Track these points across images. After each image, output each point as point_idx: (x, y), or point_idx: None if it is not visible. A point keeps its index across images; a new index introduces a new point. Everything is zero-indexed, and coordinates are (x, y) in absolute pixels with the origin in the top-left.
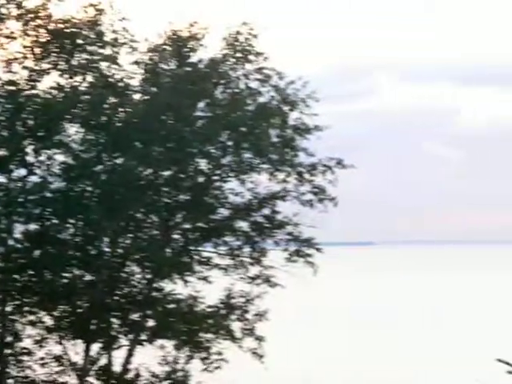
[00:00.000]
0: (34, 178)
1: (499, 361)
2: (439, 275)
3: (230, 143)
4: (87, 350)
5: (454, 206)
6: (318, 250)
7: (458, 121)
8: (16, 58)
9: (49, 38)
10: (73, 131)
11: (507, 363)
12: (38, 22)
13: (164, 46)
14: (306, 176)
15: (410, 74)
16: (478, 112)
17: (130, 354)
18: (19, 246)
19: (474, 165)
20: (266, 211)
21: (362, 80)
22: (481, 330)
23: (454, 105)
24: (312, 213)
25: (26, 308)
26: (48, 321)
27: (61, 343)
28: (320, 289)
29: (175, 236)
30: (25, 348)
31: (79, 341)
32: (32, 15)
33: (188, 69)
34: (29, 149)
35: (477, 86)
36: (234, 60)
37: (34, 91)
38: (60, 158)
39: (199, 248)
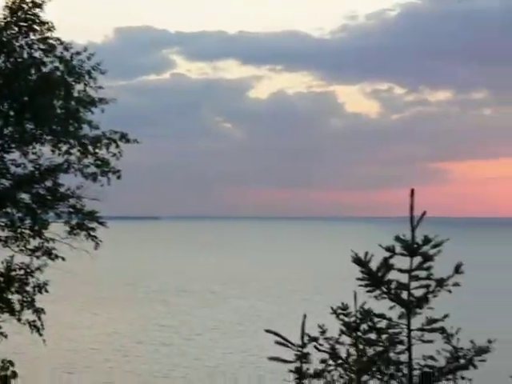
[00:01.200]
0: None
1: (268, 331)
2: (208, 251)
3: (11, 113)
4: None
5: (239, 182)
6: (100, 223)
7: (242, 97)
8: None
9: None
10: None
11: (275, 333)
12: None
13: None
14: (90, 148)
15: (197, 50)
16: (262, 89)
17: None
18: None
19: (256, 140)
20: (49, 183)
21: (151, 54)
22: (250, 303)
23: (239, 82)
24: (95, 186)
25: None
26: None
27: None
28: (100, 262)
29: None
30: None
31: None
32: None
33: None
34: None
35: (260, 63)
36: (17, 29)
37: None
38: None
39: None
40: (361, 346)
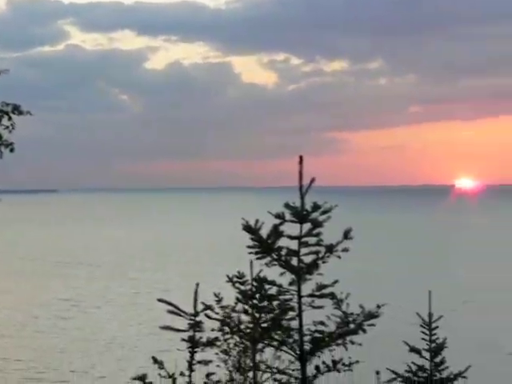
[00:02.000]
0: None
1: (160, 301)
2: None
3: None
4: None
5: (137, 154)
6: None
7: (138, 69)
8: None
9: None
10: None
11: (168, 303)
12: None
13: None
14: None
15: (92, 21)
16: (158, 60)
17: None
18: None
19: (153, 112)
20: None
21: (46, 26)
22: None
23: (134, 53)
24: None
25: None
26: None
27: None
28: None
29: None
30: None
31: None
32: None
33: None
34: None
35: (155, 34)
36: None
37: None
38: None
39: None
40: (256, 315)
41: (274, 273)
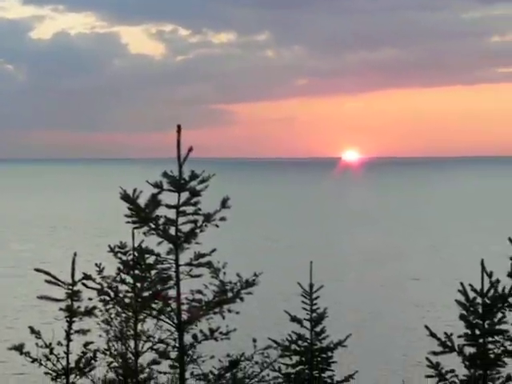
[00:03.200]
0: None
1: (37, 270)
2: None
3: None
4: None
5: (22, 124)
6: None
7: (24, 38)
8: None
9: None
10: None
11: (45, 272)
12: None
13: None
14: None
15: None
16: (44, 30)
17: None
18: None
19: (39, 82)
20: None
21: None
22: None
23: (20, 22)
24: None
25: None
26: None
27: None
28: None
29: None
30: None
31: None
32: None
33: None
34: None
35: (42, 3)
36: None
37: None
38: None
39: None
40: (138, 285)
41: (155, 243)
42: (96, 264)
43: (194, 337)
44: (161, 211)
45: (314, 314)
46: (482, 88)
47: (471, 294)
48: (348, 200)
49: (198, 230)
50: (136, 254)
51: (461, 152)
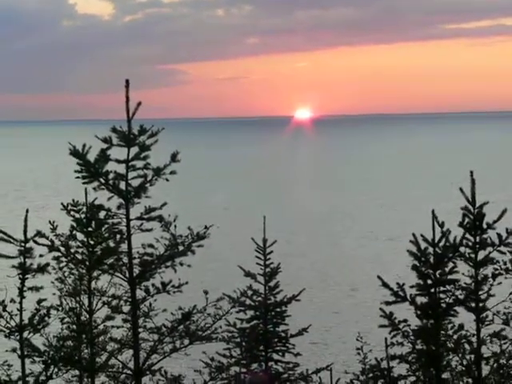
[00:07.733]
0: None
1: None
2: None
3: None
4: None
5: None
6: None
7: None
8: None
9: None
10: None
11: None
12: None
13: None
14: None
15: None
16: None
17: None
18: None
19: None
20: None
21: None
22: None
23: None
24: None
25: None
26: None
27: None
28: None
29: None
30: None
31: None
32: None
33: None
34: None
35: None
36: None
37: None
38: None
39: None
40: (91, 242)
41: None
42: (49, 221)
43: (147, 291)
44: (111, 166)
45: (268, 269)
46: (432, 45)
47: (423, 245)
48: (299, 159)
49: (147, 185)
50: (89, 211)
51: (414, 109)
